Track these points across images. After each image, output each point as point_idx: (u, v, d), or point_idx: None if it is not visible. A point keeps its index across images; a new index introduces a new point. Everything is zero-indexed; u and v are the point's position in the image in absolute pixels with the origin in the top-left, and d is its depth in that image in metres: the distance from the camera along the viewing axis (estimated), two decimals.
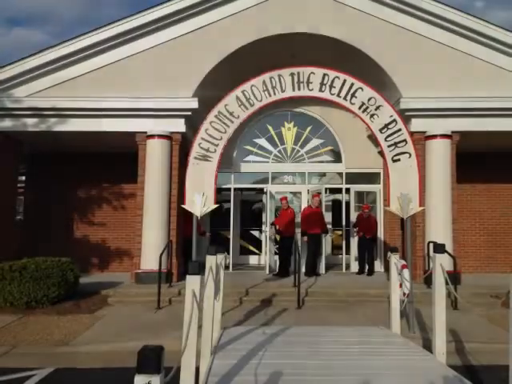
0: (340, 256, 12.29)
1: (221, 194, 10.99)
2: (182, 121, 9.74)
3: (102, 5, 57.11)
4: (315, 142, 12.00)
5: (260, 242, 12.83)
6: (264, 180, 12.26)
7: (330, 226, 12.14)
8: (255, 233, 13.42)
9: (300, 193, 12.32)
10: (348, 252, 11.69)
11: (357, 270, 10.97)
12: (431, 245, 7.89)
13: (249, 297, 8.35)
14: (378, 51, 9.58)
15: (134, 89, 9.49)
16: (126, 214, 11.73)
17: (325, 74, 6.58)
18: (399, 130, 6.48)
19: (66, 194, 11.62)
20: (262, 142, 12.03)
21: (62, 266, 7.95)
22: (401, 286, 5.81)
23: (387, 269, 8.18)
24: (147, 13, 9.44)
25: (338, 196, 13.13)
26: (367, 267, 10.81)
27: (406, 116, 9.20)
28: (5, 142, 9.88)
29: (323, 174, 12.43)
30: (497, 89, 9.50)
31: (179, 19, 9.58)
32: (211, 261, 4.48)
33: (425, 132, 9.68)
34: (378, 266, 11.41)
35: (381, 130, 6.53)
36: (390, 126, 6.49)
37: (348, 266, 11.47)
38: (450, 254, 8.33)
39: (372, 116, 6.54)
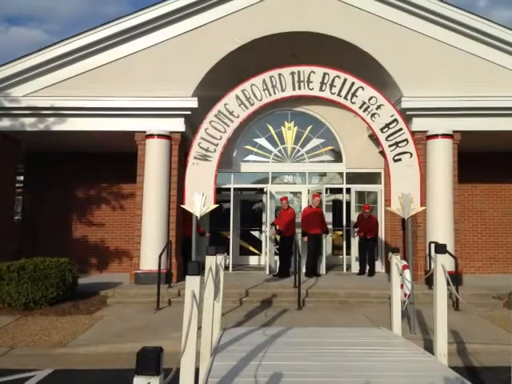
0: (340, 256, 12.25)
1: (221, 193, 10.96)
2: (182, 120, 9.70)
3: (102, 3, 57.11)
4: (316, 141, 11.97)
5: (260, 242, 12.80)
6: (264, 180, 12.22)
7: (330, 227, 12.09)
8: (255, 233, 13.38)
9: (300, 193, 12.29)
10: (348, 252, 11.67)
11: (357, 271, 10.94)
12: (432, 245, 7.79)
13: (249, 297, 8.32)
14: (378, 50, 9.55)
15: (133, 88, 9.45)
16: (125, 214, 11.71)
17: (325, 73, 6.52)
18: (400, 129, 6.43)
19: (64, 193, 11.59)
20: (262, 141, 11.99)
21: (61, 266, 7.90)
22: (402, 286, 5.79)
23: (388, 269, 8.16)
24: (147, 11, 9.39)
25: (338, 196, 13.08)
26: (368, 268, 10.78)
27: (407, 115, 9.14)
28: (3, 142, 9.84)
29: (324, 174, 12.39)
30: (499, 88, 9.45)
31: (179, 18, 9.54)
32: (211, 261, 4.44)
33: (426, 131, 9.64)
34: (379, 266, 11.37)
35: (382, 130, 6.48)
36: (391, 126, 6.44)
37: (349, 267, 11.44)
38: (451, 255, 8.27)
39: (373, 115, 6.49)
